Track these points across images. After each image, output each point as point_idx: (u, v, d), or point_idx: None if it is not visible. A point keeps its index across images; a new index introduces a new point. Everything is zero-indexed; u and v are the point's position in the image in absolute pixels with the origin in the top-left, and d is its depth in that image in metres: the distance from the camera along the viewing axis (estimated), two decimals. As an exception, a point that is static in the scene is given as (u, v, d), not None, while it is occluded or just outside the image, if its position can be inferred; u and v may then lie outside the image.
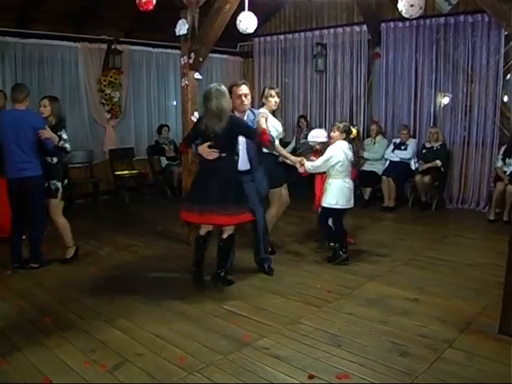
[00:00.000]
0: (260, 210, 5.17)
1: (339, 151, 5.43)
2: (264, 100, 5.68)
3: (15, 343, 3.79)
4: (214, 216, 4.57)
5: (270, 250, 5.75)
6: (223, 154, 4.62)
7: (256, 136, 4.77)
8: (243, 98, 4.99)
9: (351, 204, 5.59)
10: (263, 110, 5.50)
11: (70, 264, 5.70)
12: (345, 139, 5.51)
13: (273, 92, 5.63)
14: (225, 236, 4.89)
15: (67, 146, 5.46)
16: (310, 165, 5.54)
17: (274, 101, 5.62)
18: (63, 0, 7.93)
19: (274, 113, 5.67)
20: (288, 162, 5.71)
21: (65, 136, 5.47)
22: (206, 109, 4.64)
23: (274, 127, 5.49)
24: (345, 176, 5.50)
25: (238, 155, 4.89)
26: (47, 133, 5.26)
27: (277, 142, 5.63)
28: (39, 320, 4.21)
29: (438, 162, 8.24)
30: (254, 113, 5.18)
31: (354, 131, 5.61)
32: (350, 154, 5.48)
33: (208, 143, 4.61)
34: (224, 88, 4.64)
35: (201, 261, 4.99)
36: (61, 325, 4.11)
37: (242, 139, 4.90)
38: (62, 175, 5.56)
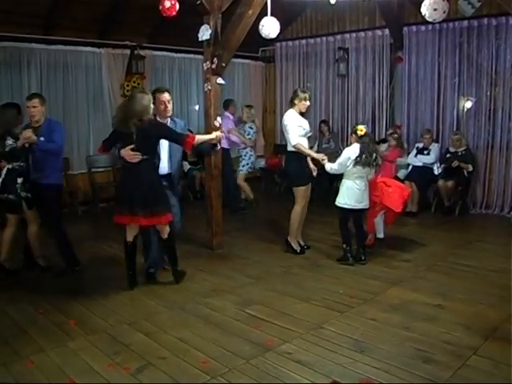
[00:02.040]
0: (178, 216, 5.36)
1: (351, 154, 5.55)
2: (296, 101, 5.95)
3: (41, 345, 3.85)
4: (140, 217, 4.75)
5: (306, 246, 6.30)
6: (145, 156, 4.75)
7: (178, 139, 4.89)
8: (167, 103, 5.17)
9: (363, 205, 5.67)
10: (291, 111, 5.97)
11: (93, 267, 5.77)
12: (360, 141, 5.56)
13: (307, 95, 5.98)
14: (165, 236, 5.05)
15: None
16: (330, 167, 5.73)
17: (307, 104, 5.97)
18: (87, 7, 8.04)
19: (302, 114, 6.02)
20: (312, 156, 6.00)
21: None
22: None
23: (301, 126, 5.89)
24: (356, 177, 5.59)
25: (159, 159, 5.05)
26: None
27: (303, 140, 5.95)
28: (64, 323, 4.27)
29: (470, 167, 8.15)
30: (174, 121, 5.34)
31: (360, 128, 5.61)
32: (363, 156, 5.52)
33: (131, 146, 4.71)
34: (140, 93, 4.79)
35: (134, 265, 5.12)
36: (85, 328, 4.16)
37: (165, 144, 5.09)
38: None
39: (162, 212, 4.82)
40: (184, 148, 5.08)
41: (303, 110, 6.01)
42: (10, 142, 5.20)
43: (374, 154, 5.58)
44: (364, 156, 5.48)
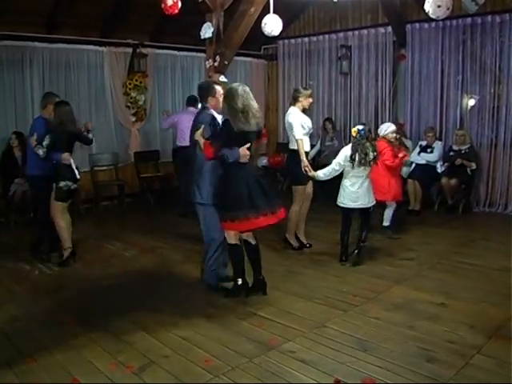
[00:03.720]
0: None
1: (346, 153, 5.57)
2: (301, 99, 5.99)
3: (43, 343, 3.84)
4: (263, 219, 4.45)
5: (308, 244, 6.30)
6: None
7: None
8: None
9: (358, 205, 5.62)
10: (294, 109, 5.98)
11: (95, 265, 5.76)
12: (353, 141, 5.56)
13: (311, 92, 6.15)
14: (255, 241, 4.80)
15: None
16: (321, 173, 5.76)
17: (311, 100, 6.05)
18: (89, 5, 8.04)
19: (304, 111, 6.05)
20: (303, 160, 5.89)
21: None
22: (240, 109, 4.43)
23: (305, 123, 5.93)
24: (351, 177, 5.59)
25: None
26: None
27: (306, 139, 5.99)
28: (67, 321, 4.27)
29: (474, 165, 8.14)
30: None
31: (354, 130, 5.59)
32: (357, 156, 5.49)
33: (248, 145, 4.43)
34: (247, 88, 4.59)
35: (244, 268, 4.78)
36: (88, 326, 4.16)
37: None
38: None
39: (280, 207, 4.57)
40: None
41: (307, 107, 6.05)
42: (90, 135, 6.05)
43: (371, 153, 5.48)
44: (357, 155, 5.45)
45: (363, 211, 5.73)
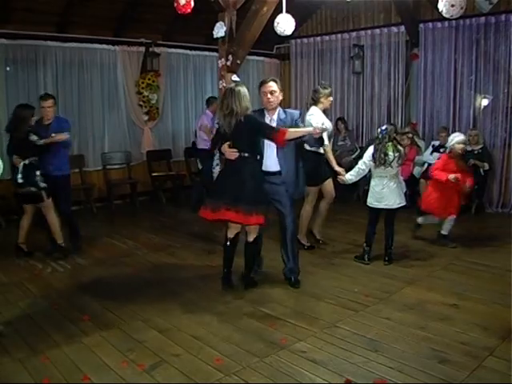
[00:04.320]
0: (290, 215, 4.99)
1: (367, 153, 5.64)
2: (322, 99, 5.94)
3: (55, 340, 3.87)
4: (224, 212, 4.60)
5: (309, 245, 6.23)
6: (245, 154, 4.64)
7: (267, 134, 4.68)
8: (268, 95, 4.86)
9: (383, 205, 5.60)
10: (316, 110, 5.91)
11: (107, 264, 5.79)
12: (378, 140, 5.56)
13: (331, 90, 6.03)
14: (251, 239, 4.90)
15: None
16: (349, 177, 5.82)
17: (330, 100, 5.97)
18: (102, 4, 8.09)
19: (324, 111, 6.00)
20: (334, 166, 5.97)
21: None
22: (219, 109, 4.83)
23: (323, 124, 5.66)
24: (375, 177, 5.64)
25: (261, 155, 4.82)
26: None
27: (328, 143, 6.00)
28: (78, 318, 4.29)
29: (487, 165, 8.08)
30: (285, 112, 5.01)
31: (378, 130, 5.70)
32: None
33: (227, 143, 4.68)
34: (239, 88, 4.65)
35: (230, 263, 4.98)
36: (99, 324, 4.18)
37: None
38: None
39: (251, 212, 4.59)
40: (276, 144, 4.73)
41: (328, 107, 6.02)
42: (35, 137, 5.57)
43: (391, 154, 5.45)
44: (377, 155, 5.47)
45: (388, 213, 5.68)
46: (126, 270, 5.57)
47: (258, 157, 4.78)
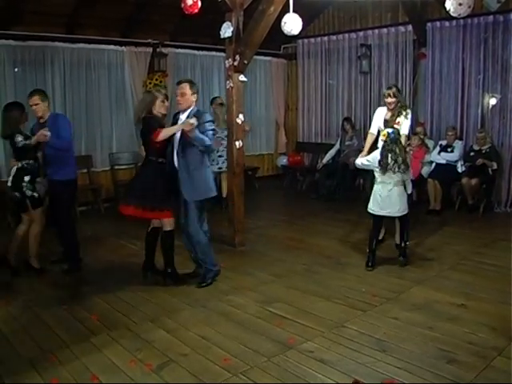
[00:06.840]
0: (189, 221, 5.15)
1: (376, 156, 5.46)
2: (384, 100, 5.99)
3: (64, 340, 3.90)
4: (133, 209, 4.90)
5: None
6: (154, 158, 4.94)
7: (150, 136, 4.84)
8: (178, 97, 4.98)
9: (387, 213, 5.45)
10: (380, 109, 6.11)
11: (116, 264, 5.83)
12: (386, 145, 5.36)
13: (385, 92, 5.96)
14: (167, 228, 5.11)
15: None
16: (360, 161, 5.71)
17: (387, 100, 5.88)
18: (110, 6, 8.10)
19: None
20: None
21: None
22: None
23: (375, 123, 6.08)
24: (378, 183, 5.46)
25: (163, 157, 4.99)
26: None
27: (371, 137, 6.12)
28: (87, 319, 4.31)
29: (495, 165, 8.04)
30: (198, 112, 4.96)
31: (382, 133, 5.51)
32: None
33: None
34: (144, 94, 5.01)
35: (150, 257, 5.31)
36: (108, 324, 4.20)
37: (176, 141, 4.92)
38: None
39: (155, 208, 4.93)
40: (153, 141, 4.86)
41: (389, 107, 5.91)
42: (19, 138, 5.16)
43: (400, 159, 5.26)
44: (389, 160, 5.25)
45: (399, 217, 5.59)
46: (134, 270, 5.57)
47: (160, 159, 4.98)
